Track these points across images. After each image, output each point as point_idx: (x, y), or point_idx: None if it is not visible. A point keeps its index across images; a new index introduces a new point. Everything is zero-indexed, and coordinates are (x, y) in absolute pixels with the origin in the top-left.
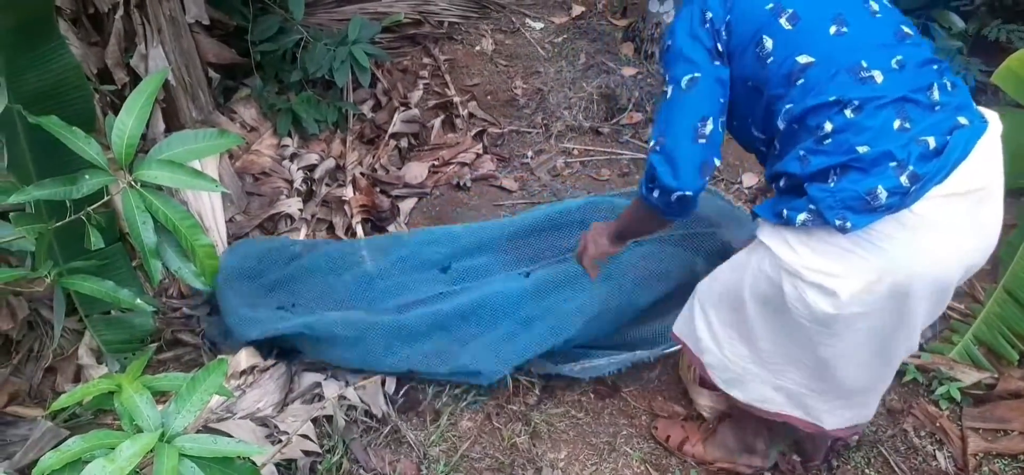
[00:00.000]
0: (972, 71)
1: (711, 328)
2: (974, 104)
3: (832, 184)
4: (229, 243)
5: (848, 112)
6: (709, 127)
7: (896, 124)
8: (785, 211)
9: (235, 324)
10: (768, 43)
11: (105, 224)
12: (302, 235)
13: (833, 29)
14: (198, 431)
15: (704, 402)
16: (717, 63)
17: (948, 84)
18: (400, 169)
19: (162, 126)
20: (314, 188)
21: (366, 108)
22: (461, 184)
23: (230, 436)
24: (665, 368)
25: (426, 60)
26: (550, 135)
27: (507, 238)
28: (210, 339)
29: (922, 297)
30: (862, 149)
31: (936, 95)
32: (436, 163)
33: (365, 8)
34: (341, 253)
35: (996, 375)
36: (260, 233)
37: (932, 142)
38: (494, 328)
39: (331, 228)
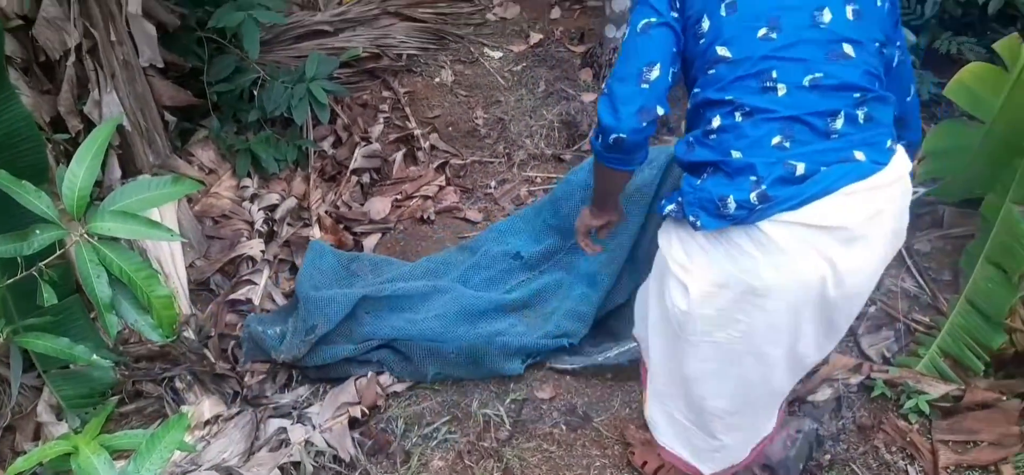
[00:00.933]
0: (925, 84)
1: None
2: (887, 144)
3: (699, 181)
4: (190, 290)
5: (738, 115)
6: (655, 73)
7: (775, 140)
8: (663, 200)
9: (321, 308)
10: (705, 24)
11: (59, 278)
12: (264, 277)
13: (762, 32)
14: None
15: None
16: (674, 14)
17: (861, 115)
18: (363, 205)
19: (119, 172)
20: (276, 228)
21: (326, 144)
22: (425, 218)
23: None
24: (636, 396)
25: (386, 94)
26: (512, 164)
27: (563, 215)
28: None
29: (769, 321)
30: (735, 154)
31: (838, 123)
32: (399, 197)
33: (322, 44)
34: (438, 262)
35: (963, 387)
36: (221, 277)
37: (800, 168)
38: (570, 295)
39: (295, 269)
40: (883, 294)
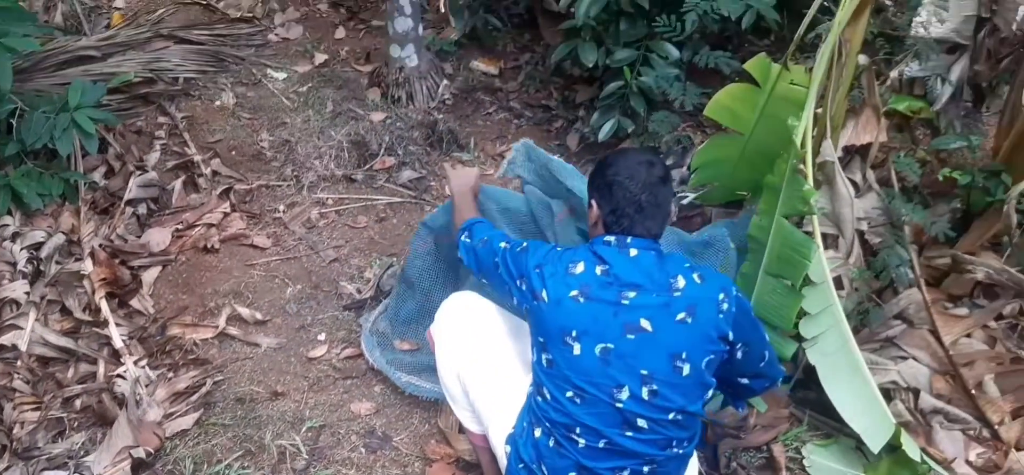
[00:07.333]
0: (690, 95)
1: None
2: None
3: (523, 441)
4: None
5: (551, 442)
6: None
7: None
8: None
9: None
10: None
11: None
12: (31, 320)
13: (569, 394)
14: None
15: (463, 447)
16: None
17: (647, 470)
18: (140, 237)
19: None
20: (42, 268)
21: (97, 175)
22: (209, 247)
23: None
24: (435, 412)
25: (162, 119)
26: (302, 186)
27: None
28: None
29: None
30: (544, 470)
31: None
32: (180, 227)
33: (89, 70)
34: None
35: None
36: None
37: None
38: None
39: (65, 310)
40: None
